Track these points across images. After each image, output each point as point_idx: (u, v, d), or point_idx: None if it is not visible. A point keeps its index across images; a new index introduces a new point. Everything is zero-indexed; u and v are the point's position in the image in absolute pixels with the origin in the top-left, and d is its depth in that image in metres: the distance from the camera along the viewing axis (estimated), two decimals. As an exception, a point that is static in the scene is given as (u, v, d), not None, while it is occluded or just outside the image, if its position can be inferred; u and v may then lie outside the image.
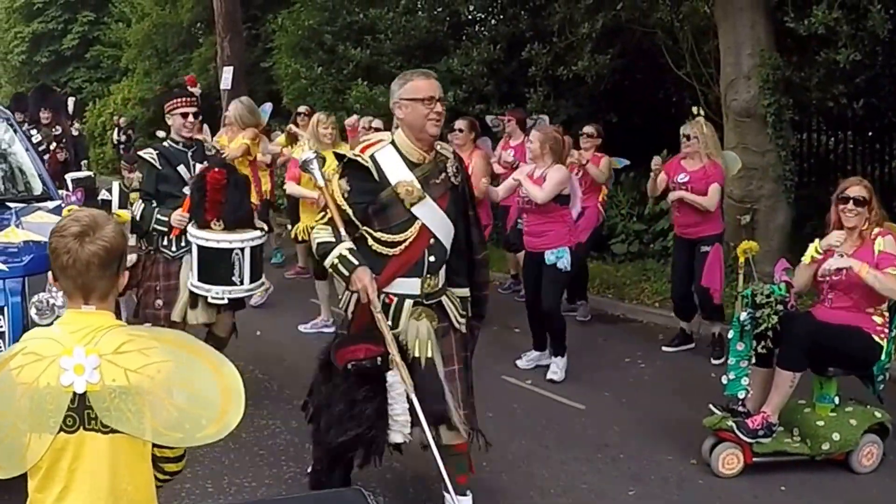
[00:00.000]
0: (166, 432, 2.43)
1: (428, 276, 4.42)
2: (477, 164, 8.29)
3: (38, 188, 6.79)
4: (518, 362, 7.56)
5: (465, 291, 4.66)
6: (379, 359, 4.25)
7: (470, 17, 15.16)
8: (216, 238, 5.89)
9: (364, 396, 4.27)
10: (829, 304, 5.42)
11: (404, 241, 4.31)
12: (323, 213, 4.41)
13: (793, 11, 8.85)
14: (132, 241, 7.45)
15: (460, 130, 8.78)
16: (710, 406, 5.59)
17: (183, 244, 6.10)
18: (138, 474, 2.50)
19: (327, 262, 4.31)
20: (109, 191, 7.46)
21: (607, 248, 11.32)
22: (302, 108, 11.38)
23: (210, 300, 6.01)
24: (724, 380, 5.51)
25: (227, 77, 16.26)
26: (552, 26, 11.85)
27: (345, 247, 4.27)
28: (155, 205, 6.17)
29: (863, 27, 8.44)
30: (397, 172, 4.31)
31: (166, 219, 6.07)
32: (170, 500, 5.09)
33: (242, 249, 5.93)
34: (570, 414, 6.55)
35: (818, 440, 5.35)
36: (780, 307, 5.28)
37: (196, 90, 6.77)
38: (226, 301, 6.03)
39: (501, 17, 14.16)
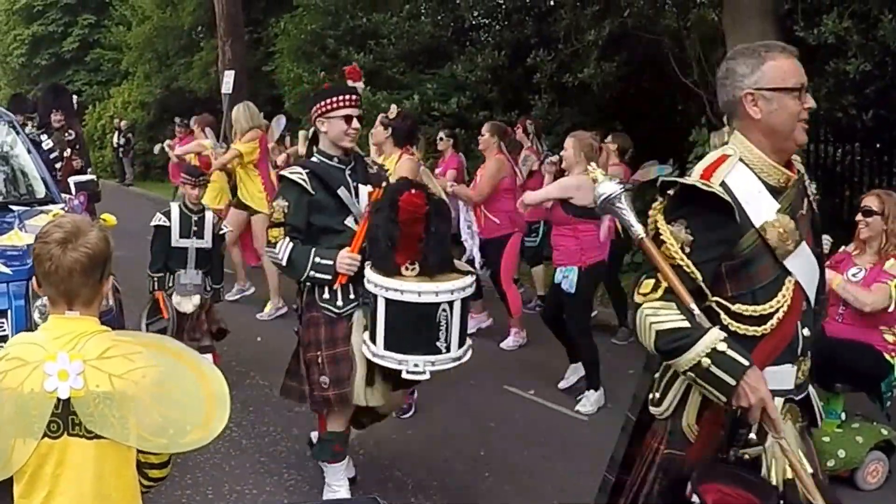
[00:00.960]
0: (150, 438, 2.42)
1: (802, 358, 2.96)
2: (489, 168, 8.19)
3: (40, 191, 6.75)
4: (560, 384, 7.15)
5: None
6: None
7: (474, 22, 15.16)
8: (416, 289, 4.25)
9: None
10: (840, 320, 5.37)
11: (776, 311, 2.83)
12: (653, 282, 2.82)
13: (802, 20, 8.83)
14: (195, 279, 6.68)
15: (481, 135, 8.56)
16: (715, 420, 5.53)
17: (352, 296, 4.61)
18: (123, 480, 2.48)
19: (685, 361, 2.72)
20: (167, 214, 6.79)
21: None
22: None
23: (405, 375, 4.41)
24: (729, 392, 5.44)
25: (228, 81, 16.22)
26: (558, 33, 11.83)
27: (716, 337, 2.70)
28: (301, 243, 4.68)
29: (873, 37, 8.41)
30: (760, 206, 2.83)
31: (330, 263, 4.56)
32: (171, 506, 5.07)
33: (451, 303, 4.30)
34: (573, 424, 6.51)
35: (823, 456, 5.24)
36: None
37: (359, 85, 5.01)
38: (428, 376, 4.44)
39: (506, 23, 14.17)
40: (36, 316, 5.05)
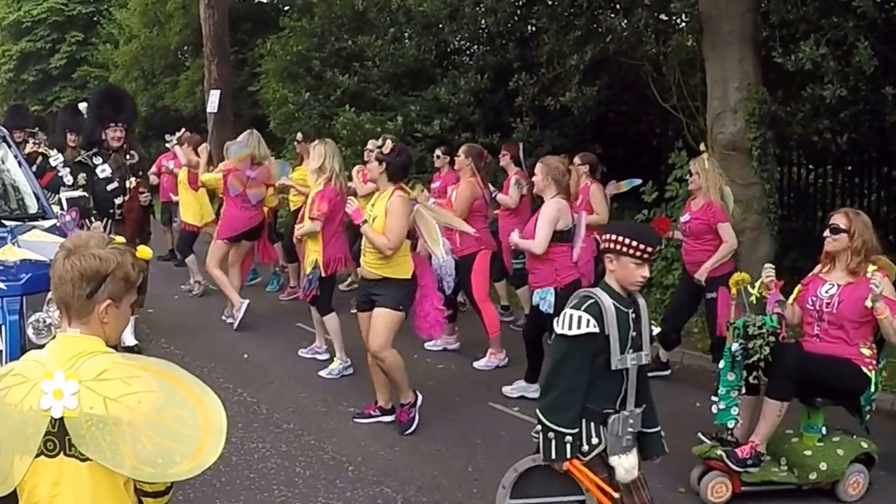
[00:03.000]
0: (139, 466, 2.36)
1: None
2: (464, 192, 8.35)
3: (33, 206, 6.71)
4: (504, 388, 7.53)
5: None
6: None
7: (457, 46, 15.30)
8: None
9: None
10: (818, 339, 5.45)
11: None
12: None
13: (780, 47, 9.00)
14: (638, 422, 3.98)
15: (457, 156, 8.75)
16: (700, 435, 5.64)
17: None
18: (121, 502, 2.47)
19: None
20: (593, 311, 3.85)
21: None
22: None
23: None
24: (713, 409, 5.52)
25: (213, 100, 16.33)
26: (540, 57, 11.96)
27: None
28: None
29: (848, 63, 8.58)
30: None
31: None
32: (162, 521, 5.09)
33: None
34: (558, 441, 6.57)
35: (805, 469, 5.39)
36: (772, 338, 5.31)
37: None
38: None
39: (489, 47, 14.29)
40: (30, 331, 5.04)
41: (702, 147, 7.98)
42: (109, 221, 8.17)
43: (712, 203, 7.47)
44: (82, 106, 10.28)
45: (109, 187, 8.34)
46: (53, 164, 9.14)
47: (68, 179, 9.23)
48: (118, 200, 8.38)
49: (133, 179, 8.47)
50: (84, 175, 8.27)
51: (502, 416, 7.06)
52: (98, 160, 8.43)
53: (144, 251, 2.65)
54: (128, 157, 8.56)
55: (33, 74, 28.86)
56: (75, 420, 2.33)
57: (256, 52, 18.56)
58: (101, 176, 8.35)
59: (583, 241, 7.09)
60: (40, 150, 9.65)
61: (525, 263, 7.57)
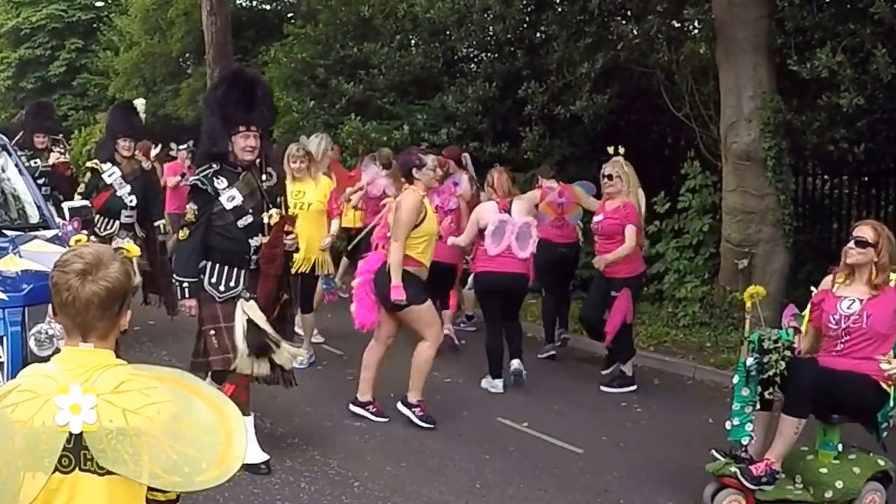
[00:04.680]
0: (164, 475, 2.33)
1: None
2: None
3: (34, 216, 6.59)
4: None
5: None
6: None
7: (465, 54, 15.20)
8: None
9: None
10: (838, 353, 5.33)
11: None
12: None
13: (795, 54, 8.91)
14: None
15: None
16: (713, 452, 5.54)
17: None
18: None
19: None
20: None
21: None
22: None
23: None
24: (727, 425, 5.45)
25: (217, 108, 16.24)
26: (550, 65, 11.88)
27: None
28: None
29: (865, 71, 8.49)
30: None
31: None
32: (166, 538, 4.98)
33: None
34: (568, 457, 6.48)
35: (821, 488, 5.30)
36: (787, 353, 5.24)
37: None
38: None
39: (497, 55, 14.19)
40: (32, 343, 4.97)
41: (610, 150, 8.06)
42: (243, 273, 5.73)
43: (629, 204, 7.79)
44: (139, 103, 9.12)
45: (241, 223, 5.65)
46: (109, 181, 8.31)
47: (129, 200, 8.31)
48: (254, 242, 5.71)
49: (273, 211, 5.74)
50: (195, 206, 5.67)
51: (511, 432, 6.99)
52: (221, 182, 5.63)
53: (133, 249, 2.52)
54: (264, 177, 5.80)
55: (32, 82, 28.75)
56: (95, 434, 2.29)
57: (260, 59, 18.49)
58: (229, 206, 5.61)
59: (512, 237, 7.71)
60: (89, 164, 8.56)
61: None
